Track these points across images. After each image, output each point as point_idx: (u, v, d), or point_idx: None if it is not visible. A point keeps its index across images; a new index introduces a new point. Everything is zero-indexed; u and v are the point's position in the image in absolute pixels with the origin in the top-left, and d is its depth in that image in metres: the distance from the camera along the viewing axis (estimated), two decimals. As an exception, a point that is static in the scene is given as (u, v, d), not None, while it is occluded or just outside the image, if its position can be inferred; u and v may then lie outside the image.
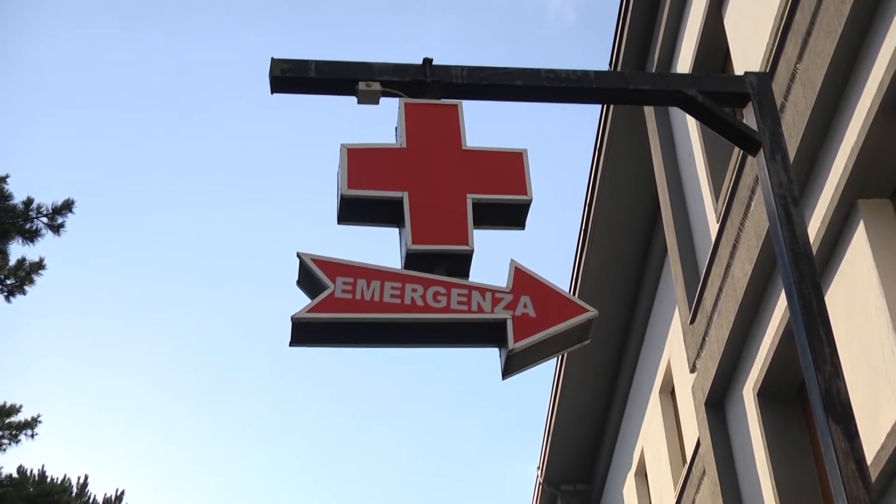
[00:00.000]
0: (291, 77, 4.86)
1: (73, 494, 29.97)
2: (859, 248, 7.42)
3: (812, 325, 4.36)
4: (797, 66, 7.98)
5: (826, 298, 4.93)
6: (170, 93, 72.48)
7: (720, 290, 10.10)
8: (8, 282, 17.91)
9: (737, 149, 8.08)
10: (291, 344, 4.38)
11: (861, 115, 7.17)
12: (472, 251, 4.60)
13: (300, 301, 4.39)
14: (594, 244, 14.33)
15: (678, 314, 11.94)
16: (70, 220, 18.05)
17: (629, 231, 14.19)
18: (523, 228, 4.94)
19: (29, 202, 17.81)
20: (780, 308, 8.79)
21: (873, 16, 7.05)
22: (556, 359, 14.84)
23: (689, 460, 12.22)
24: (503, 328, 4.40)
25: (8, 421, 27.79)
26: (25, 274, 18.04)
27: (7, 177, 17.66)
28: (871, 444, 6.77)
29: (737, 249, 9.52)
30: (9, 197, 17.62)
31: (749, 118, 4.99)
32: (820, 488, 8.94)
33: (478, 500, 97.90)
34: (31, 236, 17.85)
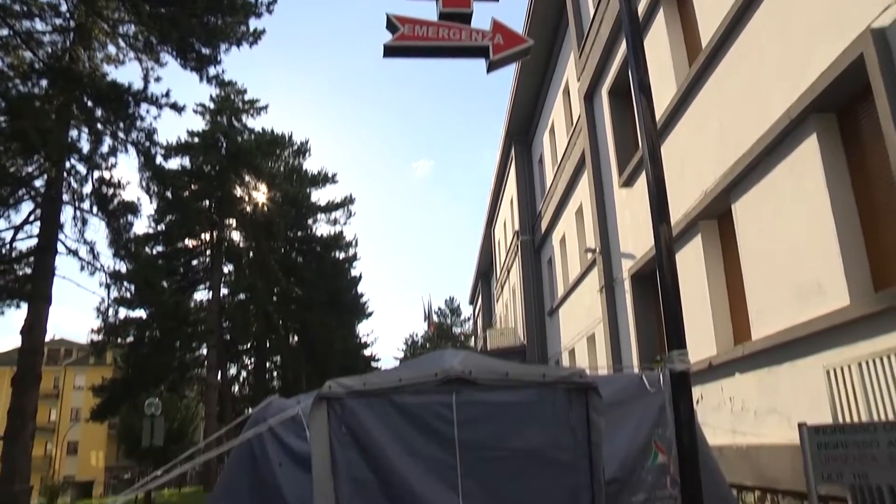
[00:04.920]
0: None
1: (287, 141, 30.47)
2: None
3: (636, 51, 4.15)
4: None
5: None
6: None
7: (596, 36, 9.55)
8: (250, 38, 17.09)
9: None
10: (384, 56, 4.31)
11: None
12: (472, 11, 4.40)
13: (388, 36, 4.28)
14: (535, 11, 13.29)
15: (574, 52, 11.36)
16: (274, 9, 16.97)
17: (552, 8, 13.10)
18: (498, 1, 4.63)
19: None
20: (622, 50, 8.37)
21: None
22: (514, 65, 14.28)
23: (574, 123, 12.15)
24: (488, 49, 4.31)
25: (254, 106, 27.71)
26: (256, 36, 17.24)
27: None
28: (659, 110, 6.84)
29: None
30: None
31: None
32: (633, 136, 8.98)
33: (475, 142, 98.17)
34: (258, 15, 16.87)
